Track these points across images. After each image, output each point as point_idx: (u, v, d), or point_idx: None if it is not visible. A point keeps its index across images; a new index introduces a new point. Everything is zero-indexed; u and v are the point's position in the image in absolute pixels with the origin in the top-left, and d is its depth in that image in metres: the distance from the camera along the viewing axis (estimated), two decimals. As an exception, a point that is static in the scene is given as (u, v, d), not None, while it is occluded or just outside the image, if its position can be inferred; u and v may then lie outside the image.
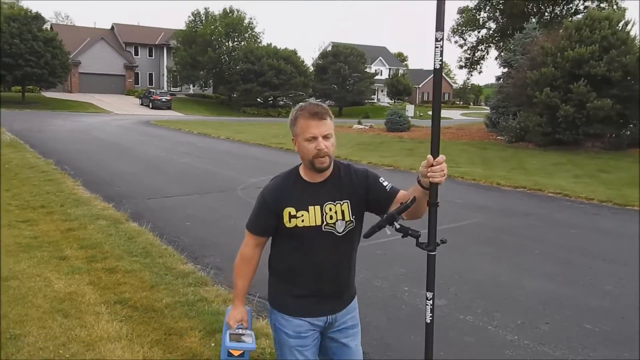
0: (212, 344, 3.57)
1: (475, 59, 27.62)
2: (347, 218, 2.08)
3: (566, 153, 15.65)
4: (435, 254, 1.94)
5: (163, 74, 54.37)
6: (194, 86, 53.42)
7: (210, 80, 51.75)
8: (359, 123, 30.19)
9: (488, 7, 26.71)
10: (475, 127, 26.71)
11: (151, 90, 46.50)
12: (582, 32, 16.08)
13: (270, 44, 50.38)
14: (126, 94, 50.15)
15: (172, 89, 53.33)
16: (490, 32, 26.52)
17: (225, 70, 48.80)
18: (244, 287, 2.19)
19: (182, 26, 49.90)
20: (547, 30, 19.32)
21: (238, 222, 7.14)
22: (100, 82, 48.13)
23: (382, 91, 73.40)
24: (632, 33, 16.71)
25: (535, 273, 5.31)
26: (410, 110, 46.62)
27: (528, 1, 25.24)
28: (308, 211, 2.05)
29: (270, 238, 2.17)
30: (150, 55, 54.97)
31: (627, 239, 6.95)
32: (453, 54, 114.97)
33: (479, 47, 27.23)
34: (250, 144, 18.51)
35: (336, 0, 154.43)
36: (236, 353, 2.08)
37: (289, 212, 2.04)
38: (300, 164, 2.12)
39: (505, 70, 21.10)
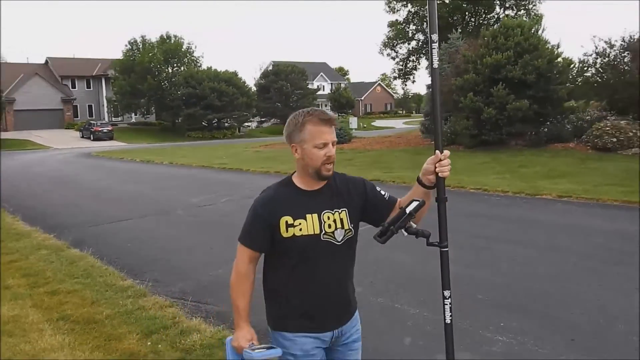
0: (149, 343, 3.99)
1: (408, 69, 28.84)
2: (345, 226, 2.03)
3: (492, 152, 16.72)
4: (447, 250, 1.92)
5: (103, 105, 53.62)
6: (135, 115, 52.89)
7: (152, 108, 51.39)
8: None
9: (416, 20, 28.04)
10: (412, 135, 27.81)
11: (91, 122, 45.78)
12: (498, 40, 17.34)
13: (211, 67, 50.68)
14: (65, 128, 49.12)
15: (113, 119, 52.60)
16: (420, 43, 27.81)
17: (166, 97, 48.62)
18: (246, 306, 2.03)
19: (119, 55, 49.50)
20: (471, 39, 20.56)
21: (180, 241, 7.55)
22: (37, 118, 46.99)
23: (326, 106, 74.67)
24: (544, 38, 18.13)
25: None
26: (353, 122, 47.58)
27: (451, 13, 26.71)
28: (306, 219, 1.97)
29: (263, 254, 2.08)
30: (89, 87, 54.15)
31: (533, 224, 7.77)
32: (388, 65, 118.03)
33: (410, 58, 28.47)
34: (193, 166, 18.79)
35: (275, 17, 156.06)
36: None
37: (286, 221, 1.96)
38: (293, 174, 2.06)
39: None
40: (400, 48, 28.68)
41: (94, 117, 52.41)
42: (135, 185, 13.93)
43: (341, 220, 2.02)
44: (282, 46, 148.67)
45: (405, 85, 27.20)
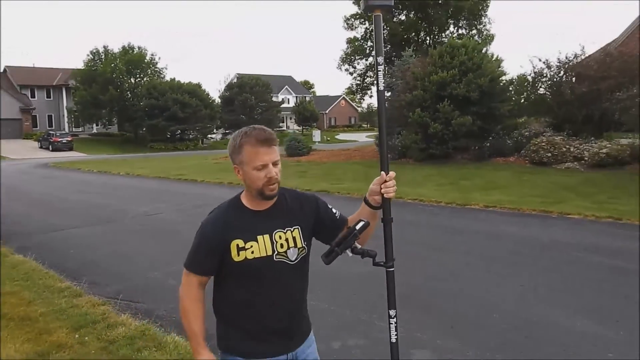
0: (77, 336, 4.39)
1: (365, 84, 29.74)
2: (299, 245, 1.99)
3: (438, 166, 17.53)
4: (393, 270, 1.94)
5: (63, 115, 52.93)
6: (97, 125, 52.42)
7: (114, 118, 51.05)
8: (262, 151, 31.40)
9: (373, 37, 28.99)
10: (370, 148, 28.58)
11: (50, 132, 45.22)
12: (444, 59, 18.25)
13: (174, 78, 50.83)
14: (24, 138, 48.31)
15: (74, 129, 52.00)
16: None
17: (129, 107, 48.44)
18: (201, 329, 1.96)
19: (80, 65, 49.10)
20: (421, 57, 21.46)
21: (123, 247, 7.91)
22: (-5, 127, 46.14)
23: (290, 119, 75.29)
24: (490, 56, 19.16)
25: (361, 262, 6.54)
26: (317, 135, 48.28)
27: (406, 30, 27.74)
28: (257, 241, 1.91)
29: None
30: (49, 97, 53.45)
31: (453, 230, 8.44)
32: (349, 80, 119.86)
33: (368, 74, 29.37)
34: (149, 177, 19.02)
35: (240, 31, 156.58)
36: None
37: (237, 244, 1.89)
38: (241, 193, 2.00)
39: (389, 94, 23.04)
40: (358, 64, 29.47)
41: (53, 127, 51.74)
42: (87, 196, 14.11)
43: (294, 238, 1.98)
44: (248, 59, 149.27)
45: (363, 99, 27.97)
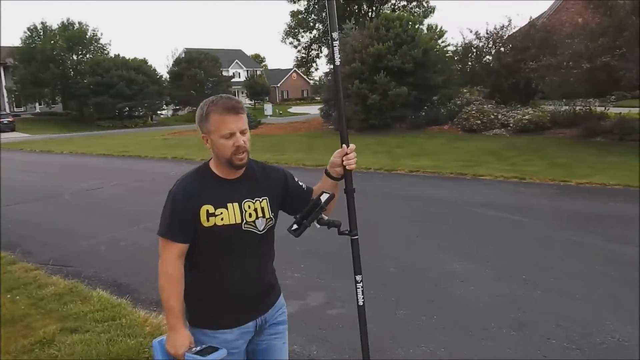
0: (8, 296, 4.81)
1: (310, 57, 30.08)
2: (267, 215, 2.01)
3: (378, 135, 18.23)
4: (357, 238, 2.03)
5: (3, 95, 50.92)
6: (40, 104, 50.80)
7: (58, 97, 49.59)
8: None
9: (316, 10, 29.26)
10: (317, 120, 29.12)
11: (-9, 112, 43.59)
12: (379, 31, 18.83)
13: (119, 54, 49.63)
14: (-40, 120, 46.35)
15: (15, 109, 50.20)
16: (320, 33, 29.09)
17: (72, 85, 47.11)
18: (180, 307, 1.92)
19: (18, 43, 47.22)
20: (359, 30, 21.95)
21: (60, 221, 8.23)
22: None
23: (242, 93, 74.73)
24: (424, 29, 19.87)
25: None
26: (268, 109, 48.34)
27: (348, 3, 28.13)
28: (227, 208, 1.92)
29: None
30: (-14, 76, 51.19)
31: (374, 193, 9.14)
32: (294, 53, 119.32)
33: (312, 47, 29.69)
34: (93, 155, 19.00)
35: (186, 1, 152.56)
36: None
37: (207, 210, 1.89)
38: (210, 160, 2.00)
39: (330, 66, 23.47)
40: (302, 37, 29.74)
41: (-6, 108, 49.76)
42: (28, 175, 14.15)
43: (262, 209, 1.99)
44: (196, 33, 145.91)
45: (309, 72, 28.10)
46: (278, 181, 2.09)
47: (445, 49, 20.00)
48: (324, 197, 1.94)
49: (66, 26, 48.54)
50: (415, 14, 31.21)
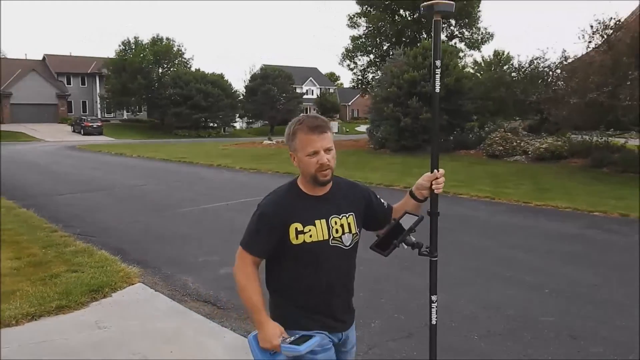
0: (43, 250, 6.81)
1: (366, 79, 31.81)
2: (353, 231, 2.07)
3: (409, 156, 19.57)
4: (437, 259, 2.08)
5: (96, 102, 56.48)
6: (127, 112, 55.83)
7: (144, 106, 54.33)
8: (269, 139, 33.79)
9: (375, 34, 31.02)
10: (366, 139, 30.74)
11: (83, 117, 48.64)
12: (417, 59, 20.23)
13: (199, 69, 53.74)
14: (59, 122, 51.98)
15: (105, 115, 55.51)
16: (376, 56, 30.81)
17: (156, 96, 51.57)
18: (262, 303, 1.99)
19: (112, 55, 52.41)
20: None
21: (105, 206, 10.40)
22: (33, 111, 49.89)
23: (315, 110, 77.40)
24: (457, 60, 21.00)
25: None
26: (334, 126, 50.46)
27: (403, 30, 29.62)
28: (315, 225, 1.99)
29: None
30: (83, 84, 57.03)
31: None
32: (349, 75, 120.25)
33: (369, 70, 31.39)
34: (156, 159, 21.67)
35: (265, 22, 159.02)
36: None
37: (296, 228, 1.97)
38: (297, 177, 2.07)
39: (377, 89, 25.09)
40: (359, 60, 31.51)
41: (87, 113, 55.29)
42: (94, 171, 16.80)
43: (348, 224, 2.06)
44: (276, 51, 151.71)
45: (365, 95, 29.61)
46: (363, 198, 2.16)
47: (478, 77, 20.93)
48: (413, 220, 2.01)
49: (155, 41, 53.27)
50: (473, 41, 32.15)
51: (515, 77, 19.65)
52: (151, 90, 51.57)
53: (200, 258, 6.60)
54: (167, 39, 54.46)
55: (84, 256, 6.45)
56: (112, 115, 56.46)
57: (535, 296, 5.14)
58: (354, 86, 34.46)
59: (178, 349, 4.03)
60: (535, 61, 19.20)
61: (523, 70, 19.23)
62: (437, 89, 2.06)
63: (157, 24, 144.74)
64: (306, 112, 77.13)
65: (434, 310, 2.11)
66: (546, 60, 19.05)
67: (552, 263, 6.30)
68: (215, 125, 54.37)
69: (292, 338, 1.94)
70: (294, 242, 1.97)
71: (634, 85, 11.48)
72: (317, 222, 2.00)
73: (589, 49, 12.77)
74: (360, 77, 31.66)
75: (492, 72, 23.53)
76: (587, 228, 8.17)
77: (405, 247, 1.99)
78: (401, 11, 30.14)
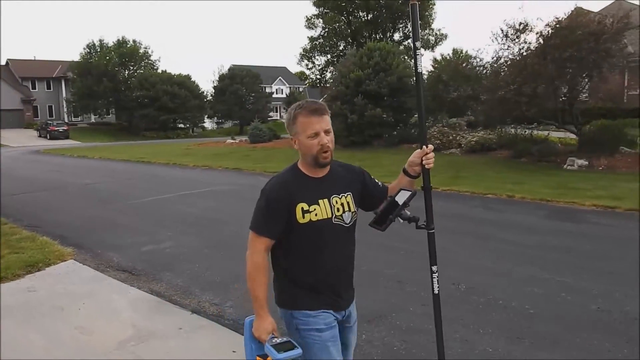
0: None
1: (324, 78, 33.02)
2: (352, 209, 2.20)
3: (356, 151, 20.75)
4: (434, 232, 2.22)
5: (62, 106, 56.55)
6: (94, 115, 56.01)
7: (112, 108, 54.63)
8: (232, 138, 34.73)
9: (332, 35, 32.23)
10: (326, 136, 31.91)
11: (48, 121, 48.75)
12: (362, 59, 21.46)
13: (165, 70, 54.29)
14: (25, 127, 51.93)
15: (73, 119, 55.63)
16: (334, 55, 32.04)
17: (123, 98, 51.95)
18: (265, 295, 2.09)
19: (77, 58, 52.59)
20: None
21: (56, 203, 11.31)
22: (-3, 117, 49.83)
23: (283, 109, 78.23)
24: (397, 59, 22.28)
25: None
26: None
27: (357, 31, 30.89)
28: (319, 204, 2.11)
29: None
30: (49, 88, 57.07)
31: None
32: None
33: (327, 69, 32.63)
34: (116, 160, 22.50)
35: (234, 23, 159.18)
36: None
37: (302, 208, 2.07)
38: (297, 161, 2.20)
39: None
40: (317, 60, 32.72)
41: (54, 117, 55.32)
42: (52, 173, 17.59)
43: (347, 203, 2.19)
44: (244, 51, 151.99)
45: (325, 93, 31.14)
46: (358, 178, 2.29)
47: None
48: (407, 195, 2.12)
49: (121, 43, 53.60)
50: (428, 41, 33.50)
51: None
52: (118, 92, 51.91)
53: (130, 240, 7.65)
54: (134, 41, 54.90)
55: (27, 241, 7.42)
56: (79, 119, 56.61)
57: (402, 258, 6.33)
58: (312, 85, 35.60)
59: (90, 301, 5.09)
60: (471, 60, 20.58)
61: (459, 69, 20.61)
62: (420, 69, 2.18)
63: (123, 27, 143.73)
64: (275, 111, 78.01)
65: (435, 280, 2.24)
66: (481, 59, 20.45)
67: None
68: (184, 126, 55.02)
69: (279, 340, 2.03)
70: (301, 221, 2.08)
71: (538, 82, 12.85)
72: (320, 201, 2.12)
73: (501, 51, 14.08)
74: (319, 77, 32.77)
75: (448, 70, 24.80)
76: (473, 207, 9.46)
77: (402, 221, 2.12)
78: (357, 12, 31.46)
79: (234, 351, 3.99)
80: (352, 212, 2.22)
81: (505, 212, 9.16)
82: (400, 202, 2.12)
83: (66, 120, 53.28)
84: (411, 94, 21.60)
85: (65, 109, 56.02)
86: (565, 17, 13.34)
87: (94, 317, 4.69)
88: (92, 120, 57.10)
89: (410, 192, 2.14)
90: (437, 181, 12.14)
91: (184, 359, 3.91)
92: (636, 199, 9.31)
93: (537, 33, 13.92)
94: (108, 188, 13.33)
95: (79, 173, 17.58)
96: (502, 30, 13.84)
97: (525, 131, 17.22)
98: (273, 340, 2.04)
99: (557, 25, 13.42)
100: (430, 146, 2.21)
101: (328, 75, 33.20)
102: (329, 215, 2.13)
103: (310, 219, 2.09)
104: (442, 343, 2.34)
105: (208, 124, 63.91)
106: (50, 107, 56.83)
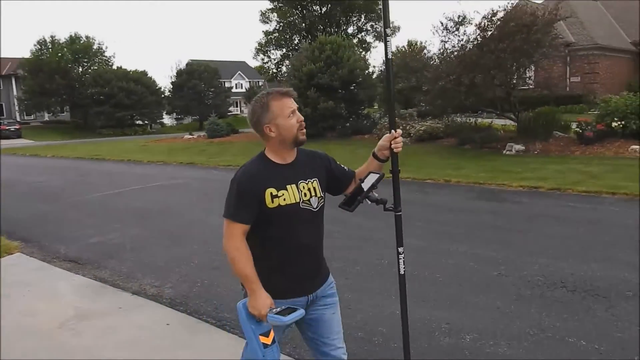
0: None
1: (280, 72, 33.30)
2: (318, 194, 2.27)
3: (311, 142, 21.09)
4: (401, 214, 2.31)
5: (14, 104, 55.00)
6: (48, 113, 54.70)
7: (66, 106, 53.45)
8: (190, 134, 34.63)
9: (287, 29, 32.51)
10: (283, 129, 32.25)
11: (-1, 120, 47.45)
12: (314, 53, 21.86)
13: (120, 66, 53.41)
14: (-25, 127, 50.31)
15: (25, 117, 54.21)
16: (289, 49, 32.33)
17: (77, 96, 50.92)
18: (254, 274, 2.12)
19: (28, 55, 51.19)
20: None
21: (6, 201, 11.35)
22: (-56, 117, 48.10)
23: (245, 103, 77.92)
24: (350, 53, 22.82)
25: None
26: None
27: (312, 24, 31.26)
28: (287, 190, 2.17)
29: None
30: (-1, 86, 55.39)
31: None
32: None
33: (283, 63, 32.90)
34: (68, 158, 22.31)
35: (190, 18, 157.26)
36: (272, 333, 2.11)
37: (271, 193, 2.13)
38: (264, 150, 2.26)
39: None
40: (273, 54, 32.95)
41: (5, 116, 53.75)
42: (2, 172, 17.40)
43: (314, 188, 2.26)
44: (202, 45, 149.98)
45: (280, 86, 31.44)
46: (322, 164, 2.36)
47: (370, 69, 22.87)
48: (374, 177, 2.20)
49: (74, 40, 52.47)
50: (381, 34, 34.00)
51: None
52: (72, 90, 50.84)
53: (78, 233, 7.89)
54: (87, 37, 53.83)
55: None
56: (32, 117, 55.19)
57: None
58: (269, 80, 35.84)
59: (34, 287, 5.38)
60: (423, 53, 21.28)
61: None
62: (389, 55, 2.26)
63: (75, 22, 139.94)
64: (236, 106, 77.54)
65: (401, 261, 2.35)
66: (429, 51, 21.19)
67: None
68: (141, 122, 54.33)
69: (279, 309, 2.07)
70: (270, 205, 2.14)
71: (476, 72, 13.55)
72: (288, 186, 2.18)
73: (443, 43, 14.73)
74: (275, 70, 33.02)
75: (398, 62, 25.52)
76: (409, 192, 10.02)
77: (369, 202, 2.21)
78: (311, 7, 31.82)
79: (167, 324, 4.38)
80: (319, 197, 2.29)
81: (437, 195, 9.79)
82: (369, 185, 2.21)
83: (18, 119, 51.89)
84: (362, 86, 22.18)
85: (17, 108, 54.48)
86: (501, 9, 14.06)
87: (38, 302, 4.98)
88: (46, 118, 55.73)
89: (378, 175, 2.24)
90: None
91: (121, 333, 4.26)
92: (561, 179, 10.09)
93: (475, 25, 14.60)
94: (59, 185, 13.37)
95: (30, 172, 17.45)
96: (441, 23, 14.47)
97: (470, 120, 17.98)
98: (273, 311, 2.07)
99: (493, 18, 14.13)
100: (399, 131, 2.29)
101: (284, 69, 33.34)
102: (297, 200, 2.19)
103: (279, 204, 2.15)
104: (406, 319, 2.46)
105: (167, 120, 63.15)
106: (0, 106, 55.13)
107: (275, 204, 2.14)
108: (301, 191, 2.21)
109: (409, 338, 2.52)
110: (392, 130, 2.27)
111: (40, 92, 48.48)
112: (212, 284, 5.34)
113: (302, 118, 2.22)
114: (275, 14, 32.86)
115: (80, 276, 5.78)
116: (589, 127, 13.73)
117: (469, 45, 14.46)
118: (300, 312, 2.10)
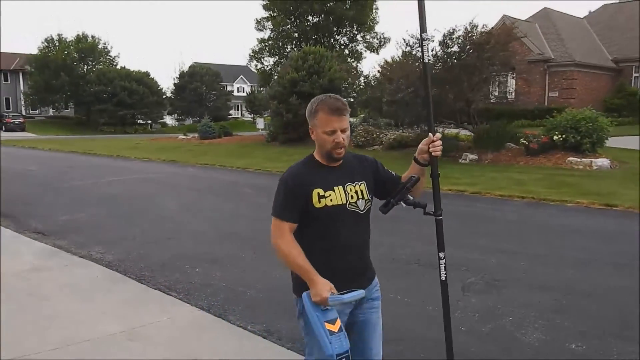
0: None
1: (273, 79, 34.59)
2: (365, 197, 2.30)
3: (291, 147, 22.41)
4: (442, 218, 2.30)
5: (20, 98, 56.62)
6: (52, 108, 56.27)
7: (70, 102, 55.03)
8: (184, 134, 35.99)
9: (281, 37, 33.84)
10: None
11: (4, 113, 48.98)
12: (297, 62, 23.17)
13: (124, 66, 54.97)
14: (-19, 119, 51.85)
15: (30, 112, 55.80)
16: (281, 57, 33.65)
17: (81, 93, 52.45)
18: (308, 264, 2.15)
19: (35, 52, 52.78)
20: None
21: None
22: (-48, 108, 49.69)
23: (244, 107, 79.24)
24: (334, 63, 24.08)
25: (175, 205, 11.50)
26: (260, 123, 52.64)
27: (303, 34, 32.60)
28: (334, 191, 2.21)
29: None
30: (6, 80, 57.01)
31: (218, 181, 13.38)
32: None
33: (275, 70, 34.20)
34: (64, 151, 23.67)
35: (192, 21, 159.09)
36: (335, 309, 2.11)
37: (318, 193, 2.18)
38: (314, 151, 2.30)
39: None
40: (266, 61, 34.29)
41: (11, 110, 55.39)
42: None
43: (361, 191, 2.29)
44: (207, 48, 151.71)
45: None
46: (371, 168, 2.39)
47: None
48: (409, 180, 2.25)
49: (80, 39, 54.07)
50: (373, 44, 35.43)
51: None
52: (76, 87, 52.35)
53: (50, 212, 9.17)
54: (93, 37, 55.44)
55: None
56: (37, 112, 56.76)
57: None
58: (261, 85, 37.07)
59: (3, 249, 6.63)
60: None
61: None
62: (426, 59, 2.32)
63: (83, 22, 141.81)
64: (237, 109, 78.87)
65: (442, 267, 2.32)
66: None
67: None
68: (142, 121, 55.80)
69: (339, 293, 2.10)
70: (317, 205, 2.18)
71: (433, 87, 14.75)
72: (335, 188, 2.22)
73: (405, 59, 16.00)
74: (267, 77, 34.33)
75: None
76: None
77: (405, 206, 2.24)
78: (304, 17, 33.16)
79: (97, 276, 5.64)
80: (366, 200, 2.31)
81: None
82: (401, 187, 2.25)
83: (23, 113, 53.45)
84: (342, 95, 23.41)
85: (22, 102, 56.07)
86: (458, 29, 15.31)
87: (4, 259, 6.23)
88: (50, 113, 57.29)
89: (414, 178, 2.26)
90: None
91: (60, 280, 5.51)
92: (488, 185, 11.29)
93: (438, 42, 15.86)
94: (46, 174, 14.70)
95: (24, 162, 18.78)
96: (404, 40, 15.75)
97: (437, 130, 19.18)
98: (334, 294, 2.10)
99: (452, 37, 15.39)
100: (438, 134, 2.28)
101: (276, 77, 34.70)
102: (344, 202, 2.23)
103: (325, 204, 2.19)
104: (449, 327, 2.44)
105: (169, 120, 64.57)
106: (7, 100, 56.78)
107: (322, 204, 2.20)
108: (348, 193, 2.25)
109: (452, 343, 2.49)
110: (430, 134, 2.30)
111: (46, 88, 50.11)
112: (147, 254, 6.58)
113: (341, 139, 2.20)
114: (270, 23, 34.14)
115: (42, 244, 7.04)
116: (535, 140, 14.93)
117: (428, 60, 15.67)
118: (360, 292, 2.16)
